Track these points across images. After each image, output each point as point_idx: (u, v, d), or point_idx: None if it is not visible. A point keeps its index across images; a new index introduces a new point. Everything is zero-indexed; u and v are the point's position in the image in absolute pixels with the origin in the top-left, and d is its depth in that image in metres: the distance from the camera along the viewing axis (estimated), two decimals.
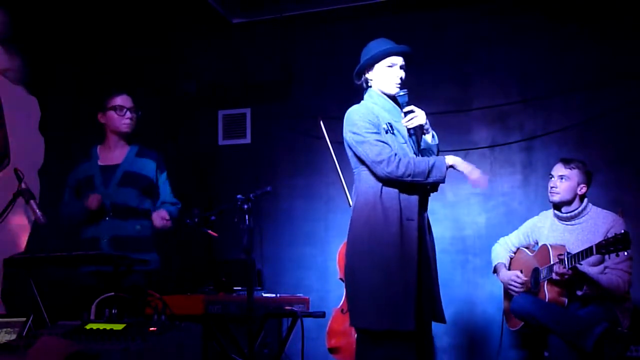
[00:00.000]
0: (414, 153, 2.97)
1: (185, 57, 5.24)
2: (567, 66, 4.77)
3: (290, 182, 5.39)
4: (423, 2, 5.08)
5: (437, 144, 3.10)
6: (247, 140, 5.60)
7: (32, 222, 3.67)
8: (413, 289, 2.80)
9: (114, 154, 3.66)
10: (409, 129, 2.96)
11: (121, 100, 3.64)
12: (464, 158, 5.16)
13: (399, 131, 2.96)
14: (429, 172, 2.83)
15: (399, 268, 2.80)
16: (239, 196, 3.37)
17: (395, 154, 2.84)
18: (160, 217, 3.54)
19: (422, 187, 2.93)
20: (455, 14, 5.08)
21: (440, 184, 2.98)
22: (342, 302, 4.39)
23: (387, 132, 2.91)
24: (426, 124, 2.98)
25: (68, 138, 4.01)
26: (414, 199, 2.90)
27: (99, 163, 3.63)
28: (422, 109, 2.99)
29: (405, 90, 3.00)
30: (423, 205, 2.97)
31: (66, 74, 4.09)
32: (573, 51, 4.76)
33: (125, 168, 3.60)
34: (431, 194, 3.04)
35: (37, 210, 3.01)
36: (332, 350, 4.35)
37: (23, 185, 3.05)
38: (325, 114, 4.67)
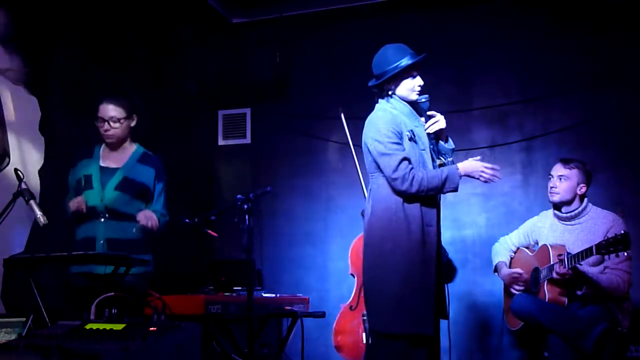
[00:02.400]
0: (432, 158, 3.05)
1: (186, 57, 5.24)
2: (567, 66, 4.77)
3: (290, 182, 5.39)
4: (423, 2, 5.08)
5: (453, 148, 3.16)
6: (247, 140, 5.60)
7: (32, 222, 3.67)
8: (432, 293, 2.89)
9: (116, 156, 3.64)
10: (429, 134, 3.05)
11: (101, 111, 3.58)
12: (464, 158, 5.19)
13: (420, 137, 3.03)
14: (443, 185, 2.93)
15: (419, 273, 2.88)
16: (239, 196, 3.37)
17: (412, 169, 2.90)
18: (144, 216, 3.51)
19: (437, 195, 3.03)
20: (455, 14, 5.07)
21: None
22: (351, 298, 4.38)
23: (410, 140, 2.98)
24: (446, 128, 3.07)
25: (68, 138, 4.01)
26: (434, 205, 3.00)
27: (101, 164, 3.62)
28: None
29: (427, 96, 3.08)
30: (439, 210, 3.05)
31: (66, 74, 4.09)
32: (573, 51, 4.76)
33: (125, 173, 3.58)
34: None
35: (37, 210, 3.01)
36: (338, 348, 4.35)
37: (23, 185, 3.05)
38: (325, 114, 4.67)
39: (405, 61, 3.01)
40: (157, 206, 3.67)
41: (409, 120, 3.05)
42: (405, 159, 2.91)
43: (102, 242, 3.47)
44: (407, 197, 2.92)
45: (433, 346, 2.98)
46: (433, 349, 2.98)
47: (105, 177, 3.57)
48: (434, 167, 3.06)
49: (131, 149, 3.68)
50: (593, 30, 4.72)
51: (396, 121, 2.99)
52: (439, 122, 3.03)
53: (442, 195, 3.06)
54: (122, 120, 3.58)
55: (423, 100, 3.07)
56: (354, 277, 4.45)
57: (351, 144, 4.47)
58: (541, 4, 4.85)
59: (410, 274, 2.87)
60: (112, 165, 3.62)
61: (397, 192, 2.94)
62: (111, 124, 3.56)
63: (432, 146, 3.07)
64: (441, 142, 3.11)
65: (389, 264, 2.89)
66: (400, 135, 2.96)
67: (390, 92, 3.09)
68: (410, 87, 3.07)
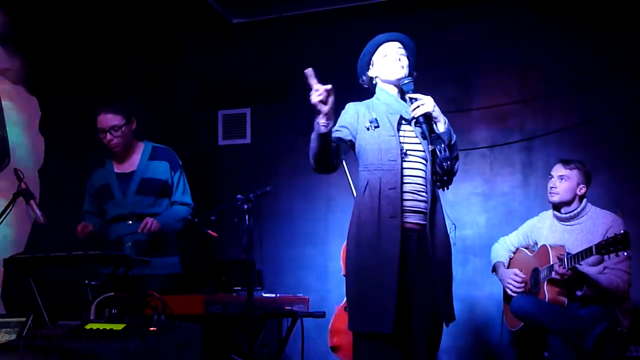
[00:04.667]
0: (422, 143, 2.86)
1: (186, 57, 5.24)
2: (567, 66, 4.77)
3: (291, 182, 5.39)
4: (423, 2, 5.08)
5: (450, 131, 2.91)
6: (247, 140, 5.61)
7: (32, 222, 3.67)
8: (394, 290, 2.70)
9: (128, 159, 3.63)
10: (416, 118, 2.85)
11: (100, 122, 3.53)
12: (464, 158, 5.19)
13: (390, 122, 2.87)
14: (312, 138, 2.80)
15: (377, 269, 2.73)
16: (239, 196, 3.37)
17: None
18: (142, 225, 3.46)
19: (397, 181, 2.80)
20: (455, 14, 5.08)
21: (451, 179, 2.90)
22: (345, 299, 4.39)
23: (368, 129, 2.87)
24: (434, 111, 2.84)
25: (68, 138, 4.01)
26: (395, 193, 2.78)
27: (115, 170, 3.62)
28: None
29: (410, 78, 2.94)
30: (424, 202, 2.84)
31: (66, 74, 4.09)
32: (573, 51, 4.77)
33: (141, 175, 3.58)
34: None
35: (37, 210, 3.01)
36: (333, 349, 4.34)
37: (23, 185, 3.06)
38: None
39: (370, 44, 3.00)
40: (177, 196, 3.68)
41: (389, 107, 2.92)
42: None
43: (129, 244, 3.49)
44: (370, 183, 2.81)
45: (417, 347, 2.81)
46: (408, 351, 2.81)
47: (124, 184, 3.57)
48: (428, 155, 2.86)
49: (140, 148, 3.66)
50: (593, 30, 4.72)
51: (356, 112, 2.92)
52: (424, 105, 2.83)
53: (424, 184, 2.85)
54: (123, 128, 3.53)
55: (405, 81, 2.93)
56: None
57: None
58: (541, 4, 4.86)
59: (368, 270, 2.74)
60: (127, 169, 3.61)
61: (357, 186, 2.88)
62: (113, 133, 3.52)
63: (422, 131, 2.84)
64: (437, 127, 2.86)
65: (352, 261, 2.81)
66: (351, 125, 2.91)
67: (373, 82, 3.04)
68: (387, 65, 2.96)
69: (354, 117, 2.92)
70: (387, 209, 2.77)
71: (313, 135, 2.77)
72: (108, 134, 3.52)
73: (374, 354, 2.76)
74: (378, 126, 2.87)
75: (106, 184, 3.59)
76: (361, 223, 2.81)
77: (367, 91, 3.15)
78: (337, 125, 2.92)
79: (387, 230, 2.76)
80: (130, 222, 3.53)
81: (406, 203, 2.82)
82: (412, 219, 2.82)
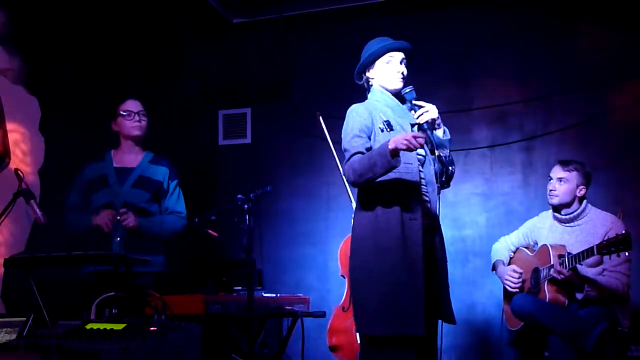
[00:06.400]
0: (423, 148, 2.91)
1: (186, 57, 5.24)
2: (567, 66, 4.77)
3: (291, 182, 5.39)
4: (423, 2, 5.08)
5: (450, 139, 3.02)
6: (247, 140, 5.61)
7: (32, 222, 3.67)
8: (421, 292, 2.75)
9: (129, 158, 3.66)
10: (421, 125, 2.92)
11: (129, 105, 3.65)
12: (464, 158, 5.18)
13: (402, 127, 2.92)
14: (374, 163, 2.72)
15: (404, 271, 2.75)
16: (239, 196, 3.37)
17: (349, 160, 2.83)
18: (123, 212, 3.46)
19: (416, 184, 2.87)
20: (455, 14, 5.08)
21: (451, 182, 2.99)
22: (342, 299, 4.39)
23: (382, 131, 2.88)
24: (438, 118, 2.93)
25: (68, 138, 4.00)
26: (414, 196, 2.85)
27: (115, 165, 3.64)
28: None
29: (411, 86, 3.00)
30: (429, 203, 2.91)
31: (66, 74, 4.09)
32: (573, 51, 4.77)
33: (140, 172, 3.61)
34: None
35: (37, 210, 3.01)
36: (332, 349, 4.34)
37: (23, 185, 3.05)
38: (325, 113, 4.67)
39: (378, 46, 3.00)
40: (171, 203, 3.68)
41: (392, 112, 2.96)
42: (357, 153, 2.82)
43: (118, 240, 3.48)
44: (385, 186, 2.80)
45: (427, 348, 2.87)
46: (427, 351, 2.88)
47: (122, 177, 3.58)
48: (430, 159, 2.96)
49: (142, 153, 3.71)
50: (593, 30, 4.72)
51: (370, 115, 2.90)
52: (429, 111, 2.91)
53: (433, 186, 2.93)
54: (146, 117, 3.67)
55: (407, 90, 2.99)
56: (344, 278, 4.45)
57: (332, 146, 4.53)
58: (541, 4, 4.86)
59: (394, 273, 2.74)
60: (127, 165, 3.63)
61: (367, 187, 2.84)
62: (141, 116, 3.64)
63: (427, 136, 2.92)
64: (436, 134, 2.96)
65: (372, 264, 2.78)
66: (368, 131, 2.88)
67: (371, 83, 3.05)
68: (390, 74, 2.99)
69: (369, 119, 2.92)
70: (407, 212, 2.81)
71: (380, 163, 2.71)
72: (136, 115, 3.63)
73: (393, 357, 2.76)
74: (392, 129, 2.90)
75: (102, 174, 3.59)
76: (380, 225, 2.81)
77: (365, 91, 3.15)
78: (357, 130, 2.89)
79: (410, 233, 2.79)
80: (119, 217, 3.52)
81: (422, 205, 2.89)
82: (424, 220, 2.88)
